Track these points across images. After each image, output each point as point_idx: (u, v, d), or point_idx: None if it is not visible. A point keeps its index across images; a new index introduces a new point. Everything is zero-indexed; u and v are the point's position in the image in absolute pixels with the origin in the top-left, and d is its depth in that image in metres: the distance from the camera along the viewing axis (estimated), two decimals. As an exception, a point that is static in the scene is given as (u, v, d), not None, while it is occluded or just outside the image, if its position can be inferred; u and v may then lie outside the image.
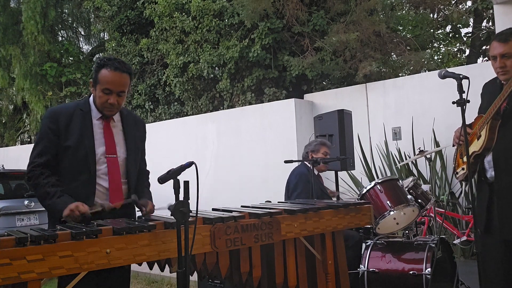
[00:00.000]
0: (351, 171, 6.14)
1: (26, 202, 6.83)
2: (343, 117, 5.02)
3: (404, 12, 12.02)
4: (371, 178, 6.58)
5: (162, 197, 2.44)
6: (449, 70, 3.11)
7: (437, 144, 6.37)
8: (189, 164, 2.04)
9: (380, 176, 6.54)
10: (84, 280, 2.01)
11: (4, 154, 12.65)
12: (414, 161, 6.25)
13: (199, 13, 9.55)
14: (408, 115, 6.83)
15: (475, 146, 2.70)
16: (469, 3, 10.73)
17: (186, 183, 1.96)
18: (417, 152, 4.61)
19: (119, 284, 2.59)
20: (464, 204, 6.06)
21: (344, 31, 8.21)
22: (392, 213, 3.60)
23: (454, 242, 5.25)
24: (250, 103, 9.02)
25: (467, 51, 12.48)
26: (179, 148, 8.64)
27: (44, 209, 2.54)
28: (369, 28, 8.37)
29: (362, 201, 3.47)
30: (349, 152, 4.99)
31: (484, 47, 11.32)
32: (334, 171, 5.10)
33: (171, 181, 2.01)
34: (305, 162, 4.19)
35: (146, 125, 2.97)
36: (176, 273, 1.98)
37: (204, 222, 2.30)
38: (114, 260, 1.97)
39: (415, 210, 3.72)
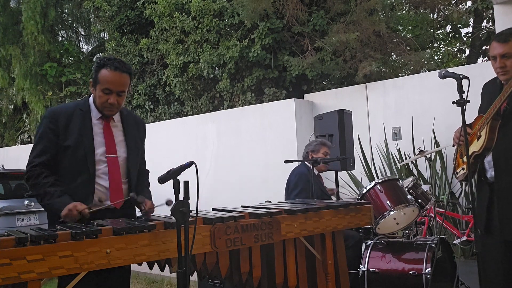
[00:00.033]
0: (351, 171, 6.14)
1: (26, 202, 6.83)
2: (343, 117, 5.02)
3: (404, 12, 12.03)
4: (371, 178, 6.58)
5: (162, 197, 2.43)
6: (449, 70, 3.11)
7: (437, 144, 6.37)
8: (189, 164, 2.04)
9: (380, 176, 6.54)
10: (84, 280, 2.01)
11: (4, 154, 12.64)
12: (414, 161, 6.25)
13: (199, 13, 9.55)
14: (408, 115, 6.83)
15: (475, 146, 2.70)
16: (469, 3, 10.73)
17: (186, 183, 1.96)
18: (417, 152, 4.61)
19: (119, 284, 2.59)
20: (464, 204, 6.06)
21: (344, 31, 8.21)
22: (392, 213, 3.61)
23: (454, 242, 5.25)
24: (250, 103, 9.02)
25: (467, 51, 12.48)
26: (179, 148, 8.63)
27: (44, 209, 2.54)
28: (369, 28, 8.37)
29: (362, 201, 3.47)
30: (349, 152, 4.99)
31: (484, 47, 11.32)
32: (334, 171, 5.10)
33: (171, 181, 2.01)
34: (305, 162, 4.19)
35: (146, 125, 2.97)
36: (176, 273, 1.98)
37: (204, 222, 2.30)
38: (114, 260, 1.97)
39: (415, 210, 3.72)
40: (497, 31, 4.85)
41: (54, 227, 2.17)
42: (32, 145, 2.59)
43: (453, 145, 2.88)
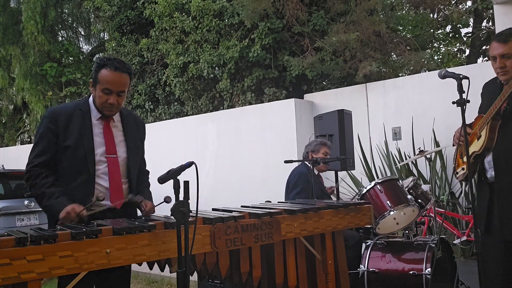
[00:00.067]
0: (351, 171, 6.14)
1: (26, 202, 6.84)
2: (343, 117, 5.02)
3: (404, 12, 12.03)
4: (371, 178, 6.58)
5: (162, 197, 2.43)
6: (449, 70, 3.11)
7: (437, 144, 6.37)
8: (189, 164, 2.04)
9: (380, 176, 6.54)
10: (84, 280, 2.01)
11: (4, 154, 12.64)
12: (414, 161, 6.25)
13: (199, 13, 9.55)
14: (408, 115, 6.83)
15: (475, 146, 2.71)
16: (469, 3, 10.73)
17: (186, 183, 1.97)
18: (417, 152, 4.61)
19: (119, 284, 2.59)
20: (464, 204, 6.06)
21: (344, 31, 8.21)
22: (392, 213, 3.61)
23: (454, 242, 5.25)
24: (250, 103, 9.02)
25: (467, 51, 12.48)
26: (179, 148, 8.63)
27: (42, 210, 2.54)
28: (369, 28, 8.37)
29: (362, 201, 3.47)
30: (349, 152, 4.99)
31: (484, 47, 11.32)
32: (334, 171, 5.10)
33: (171, 181, 2.01)
34: (305, 162, 4.19)
35: (146, 125, 2.97)
36: (176, 273, 1.98)
37: (204, 222, 2.30)
38: (114, 260, 1.97)
39: (415, 210, 3.72)
40: (497, 31, 4.85)
41: (54, 227, 2.17)
42: (32, 145, 2.59)
43: (453, 145, 2.88)
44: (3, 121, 17.58)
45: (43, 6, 12.96)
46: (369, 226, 3.78)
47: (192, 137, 8.62)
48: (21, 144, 17.47)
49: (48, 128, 2.48)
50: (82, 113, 2.54)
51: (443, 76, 2.78)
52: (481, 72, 4.40)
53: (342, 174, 6.09)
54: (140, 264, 2.16)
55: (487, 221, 2.69)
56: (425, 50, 10.39)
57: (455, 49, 13.21)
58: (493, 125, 2.62)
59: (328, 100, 7.71)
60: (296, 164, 4.48)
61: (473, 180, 2.73)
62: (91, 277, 2.05)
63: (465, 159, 2.64)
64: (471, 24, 11.58)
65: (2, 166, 7.88)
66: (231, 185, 7.89)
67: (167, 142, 8.77)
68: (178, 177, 2.02)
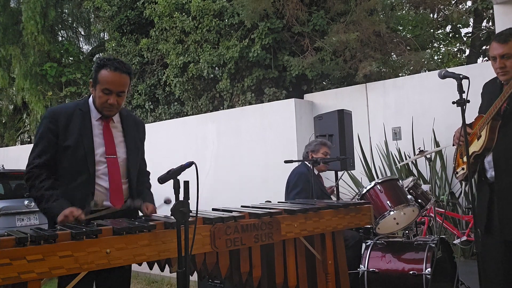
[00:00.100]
0: (351, 171, 6.14)
1: (26, 202, 6.84)
2: (343, 117, 5.02)
3: (404, 12, 12.03)
4: (371, 178, 6.58)
5: (162, 197, 2.44)
6: (449, 70, 3.11)
7: (437, 144, 6.37)
8: (189, 164, 2.04)
9: (380, 176, 6.54)
10: (84, 280, 2.01)
11: (4, 154, 12.64)
12: (414, 161, 6.25)
13: (199, 13, 9.55)
14: (408, 115, 6.83)
15: (475, 146, 2.70)
16: (469, 3, 10.73)
17: (186, 183, 1.97)
18: (417, 152, 4.61)
19: (119, 284, 2.59)
20: (464, 204, 6.06)
21: (344, 31, 8.21)
22: (392, 213, 3.61)
23: (454, 242, 5.25)
24: (250, 103, 9.02)
25: (467, 51, 12.48)
26: (179, 148, 8.64)
27: (41, 212, 2.53)
28: (369, 28, 8.37)
29: (362, 201, 3.47)
30: (349, 152, 4.99)
31: (484, 47, 11.32)
32: (334, 171, 5.10)
33: (171, 181, 2.01)
34: (305, 162, 4.19)
35: (146, 125, 2.97)
36: (176, 273, 1.98)
37: (204, 222, 2.30)
38: (114, 260, 1.97)
39: (415, 210, 3.72)
40: (497, 31, 4.85)
41: (54, 227, 2.17)
42: (32, 145, 2.59)
43: (453, 145, 2.88)
44: (3, 121, 17.59)
45: (43, 6, 12.96)
46: (369, 226, 3.78)
47: (192, 137, 8.62)
48: (21, 144, 17.47)
49: (48, 128, 2.48)
50: (82, 113, 2.54)
51: (443, 76, 2.78)
52: (481, 72, 4.40)
53: (342, 175, 6.09)
54: (140, 264, 2.16)
55: (487, 221, 2.69)
56: (425, 50, 10.39)
57: (455, 49, 13.21)
58: (493, 125, 2.62)
59: (328, 100, 7.71)
60: (296, 164, 4.48)
61: (473, 180, 2.73)
62: (91, 277, 2.05)
63: (465, 159, 2.64)
64: (471, 24, 11.58)
65: (2, 166, 7.88)
66: (231, 185, 7.89)
67: (167, 142, 8.77)
68: (178, 177, 2.02)
